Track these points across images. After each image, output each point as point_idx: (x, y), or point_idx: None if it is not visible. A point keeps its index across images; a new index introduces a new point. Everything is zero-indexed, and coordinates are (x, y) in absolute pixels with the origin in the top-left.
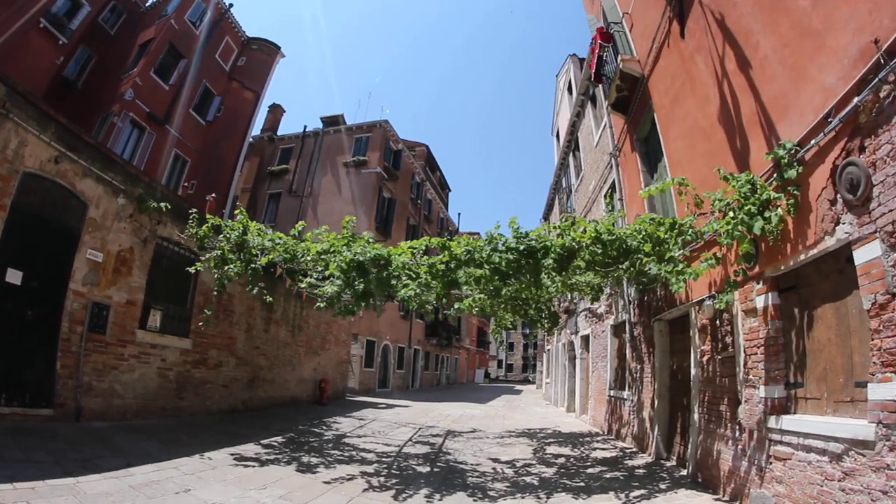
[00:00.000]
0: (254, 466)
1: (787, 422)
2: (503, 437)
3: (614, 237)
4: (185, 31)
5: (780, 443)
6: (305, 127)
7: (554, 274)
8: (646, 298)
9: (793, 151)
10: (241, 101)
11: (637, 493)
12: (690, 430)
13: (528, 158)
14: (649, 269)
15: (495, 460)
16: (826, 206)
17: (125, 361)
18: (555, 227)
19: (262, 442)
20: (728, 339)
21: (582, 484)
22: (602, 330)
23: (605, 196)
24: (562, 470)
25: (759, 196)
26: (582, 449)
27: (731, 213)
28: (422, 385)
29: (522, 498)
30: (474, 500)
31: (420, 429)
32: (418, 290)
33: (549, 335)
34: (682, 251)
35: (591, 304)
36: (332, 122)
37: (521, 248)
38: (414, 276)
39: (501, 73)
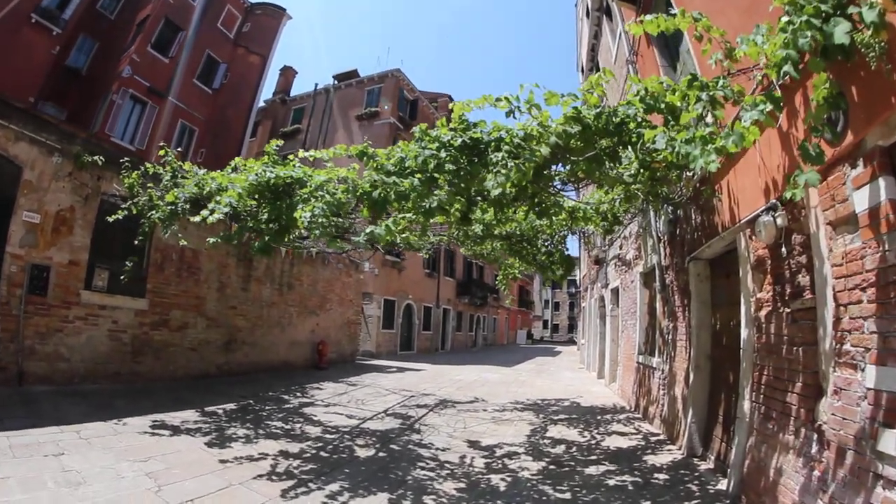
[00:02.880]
0: (163, 436)
1: None
2: (504, 410)
3: (599, 110)
4: (181, 4)
5: None
6: (317, 85)
7: (512, 176)
8: (678, 232)
9: None
10: (248, 67)
11: None
12: (737, 425)
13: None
14: (655, 144)
15: (473, 444)
16: None
17: (70, 324)
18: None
19: (206, 409)
20: (803, 279)
21: (567, 496)
22: (631, 280)
23: None
24: (552, 467)
25: None
26: (594, 432)
27: (784, 20)
28: (453, 347)
29: None
30: None
31: (411, 397)
32: (318, 212)
33: (584, 291)
34: (710, 112)
35: (606, 239)
36: (345, 77)
37: (459, 142)
38: (330, 197)
39: (523, 14)
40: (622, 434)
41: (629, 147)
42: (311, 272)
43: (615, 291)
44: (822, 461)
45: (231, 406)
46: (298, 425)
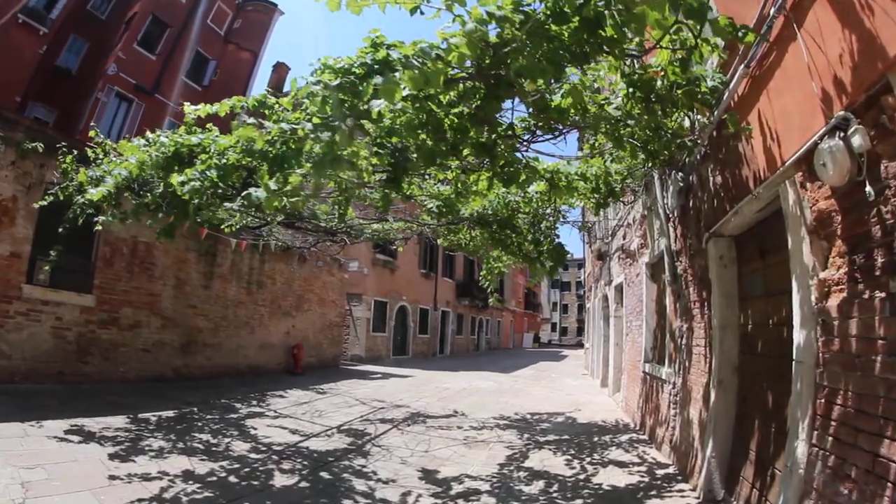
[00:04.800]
0: (72, 442)
1: None
2: (484, 427)
3: None
4: (169, 1)
5: None
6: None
7: (407, 81)
8: (691, 204)
9: None
10: (238, 63)
11: None
12: (785, 478)
13: None
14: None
15: (427, 476)
16: None
17: (11, 319)
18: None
19: (139, 416)
20: None
21: None
22: (636, 273)
23: None
24: None
25: None
26: (586, 461)
27: None
28: (453, 351)
29: None
30: None
31: (380, 409)
32: (196, 176)
33: (588, 291)
34: None
35: (597, 216)
36: None
37: (359, 65)
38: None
39: None
40: (621, 465)
41: (606, 50)
42: (286, 270)
43: (619, 289)
44: None
45: (169, 413)
46: (228, 440)
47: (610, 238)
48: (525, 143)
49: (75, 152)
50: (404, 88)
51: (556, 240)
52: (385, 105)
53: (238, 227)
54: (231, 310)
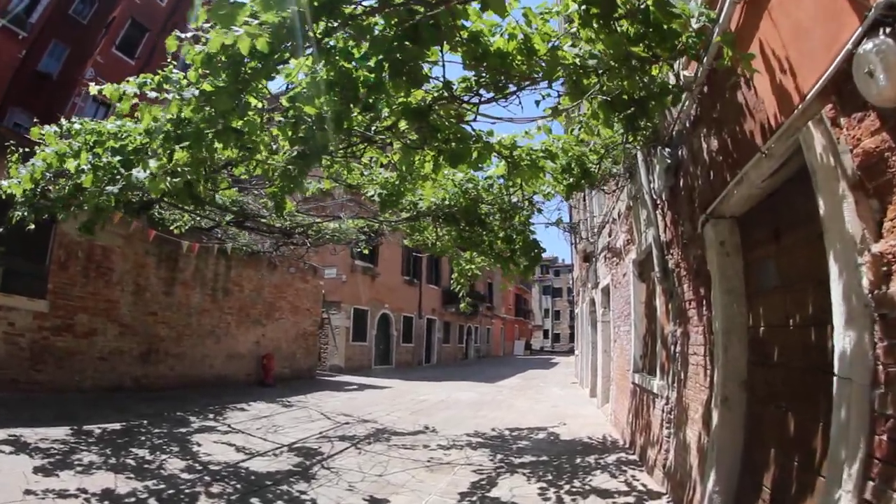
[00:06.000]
0: (2, 453)
1: None
2: (453, 446)
3: None
4: (148, 4)
5: None
6: None
7: None
8: (682, 182)
9: None
10: None
11: None
12: None
13: None
14: None
15: None
16: None
17: None
18: None
19: (84, 428)
20: None
21: None
22: (623, 273)
23: None
24: None
25: None
26: (565, 489)
27: None
28: (441, 360)
29: None
30: None
31: (344, 424)
32: (87, 159)
33: (576, 296)
34: None
35: (568, 200)
36: None
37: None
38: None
39: None
40: (605, 494)
41: None
42: (254, 276)
43: (606, 291)
44: None
45: (116, 426)
46: (165, 457)
47: (596, 237)
48: (469, 108)
49: (22, 150)
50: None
51: (531, 236)
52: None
53: (187, 227)
54: (195, 318)
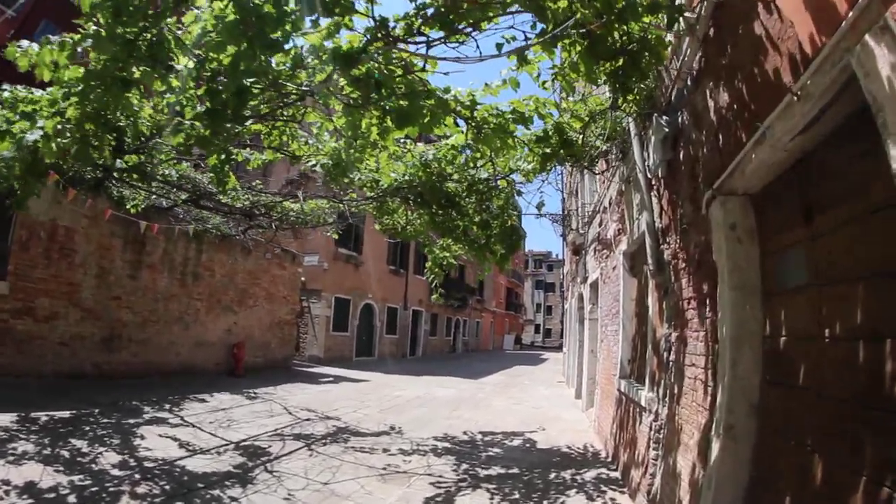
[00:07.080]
0: None
1: None
2: (416, 451)
3: None
4: None
5: None
6: None
7: None
8: (682, 155)
9: None
10: None
11: None
12: None
13: None
14: None
15: None
16: None
17: None
18: None
19: (31, 415)
20: None
21: None
22: (612, 266)
23: None
24: None
25: None
26: None
27: None
28: (427, 353)
29: None
30: None
31: (304, 420)
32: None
33: (565, 291)
34: None
35: (543, 172)
36: None
37: None
38: None
39: None
40: None
41: None
42: (227, 261)
43: (594, 286)
44: None
45: (65, 414)
46: (103, 450)
47: (586, 227)
48: (413, 51)
49: None
50: None
51: (509, 221)
52: None
53: (143, 206)
54: (161, 303)
